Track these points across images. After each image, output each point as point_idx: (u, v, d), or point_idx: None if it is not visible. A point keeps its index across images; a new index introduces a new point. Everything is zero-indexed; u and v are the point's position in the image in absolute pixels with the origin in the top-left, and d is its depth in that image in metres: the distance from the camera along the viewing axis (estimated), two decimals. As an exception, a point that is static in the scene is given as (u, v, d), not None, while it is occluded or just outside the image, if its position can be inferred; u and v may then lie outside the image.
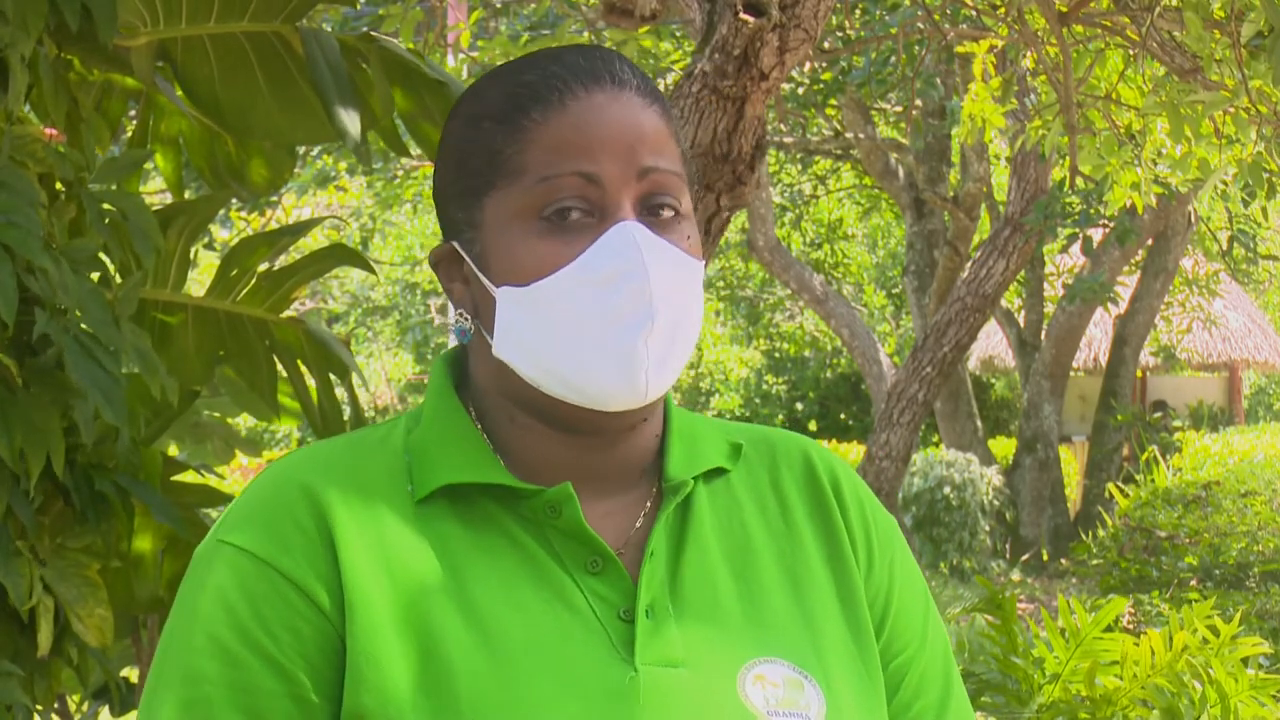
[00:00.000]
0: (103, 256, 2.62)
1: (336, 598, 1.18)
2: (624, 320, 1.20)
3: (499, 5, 10.22)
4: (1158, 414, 14.83)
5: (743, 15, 2.78)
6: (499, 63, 8.35)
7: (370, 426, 1.31)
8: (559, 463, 1.26)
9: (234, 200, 8.74)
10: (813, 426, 21.29)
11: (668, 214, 1.24)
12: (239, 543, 1.20)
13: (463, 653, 1.16)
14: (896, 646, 1.32)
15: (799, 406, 21.75)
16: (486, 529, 1.23)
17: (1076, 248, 8.74)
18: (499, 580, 1.20)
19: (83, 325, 2.40)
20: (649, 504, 1.28)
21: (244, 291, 2.99)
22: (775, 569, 1.28)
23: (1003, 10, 5.14)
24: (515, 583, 1.20)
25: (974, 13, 5.57)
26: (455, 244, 1.27)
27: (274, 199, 11.85)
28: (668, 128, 1.25)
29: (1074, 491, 15.14)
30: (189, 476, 3.04)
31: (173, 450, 3.43)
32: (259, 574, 1.19)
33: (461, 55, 8.97)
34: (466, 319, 1.27)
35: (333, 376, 3.03)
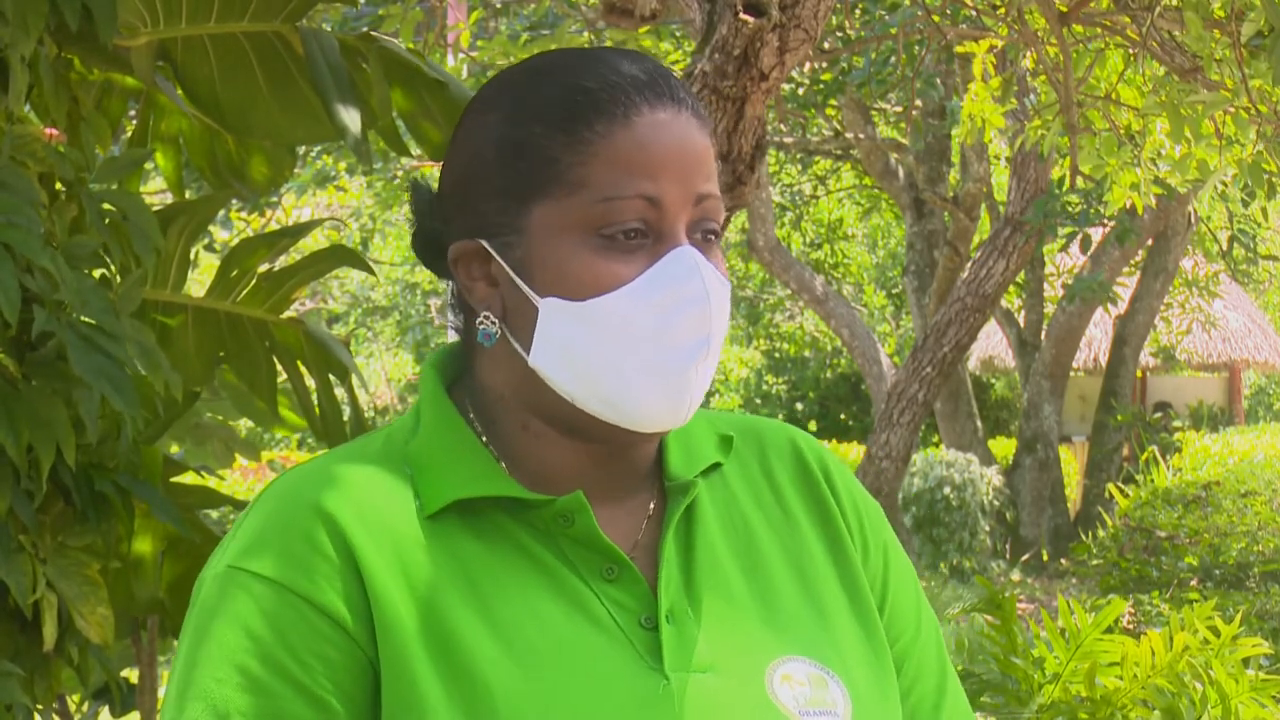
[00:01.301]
0: (103, 256, 2.62)
1: (364, 620, 1.16)
2: (681, 345, 1.19)
3: (499, 5, 10.22)
4: (1158, 414, 14.83)
5: (743, 15, 2.78)
6: (499, 62, 8.36)
7: (366, 436, 1.27)
8: (570, 471, 1.24)
9: (234, 201, 8.75)
10: (813, 426, 21.29)
11: (712, 238, 1.23)
12: (255, 569, 1.16)
13: (496, 671, 1.15)
14: (894, 633, 1.32)
15: (799, 406, 21.76)
16: (499, 542, 1.20)
17: (1076, 248, 8.74)
18: (518, 593, 1.18)
19: (84, 319, 2.40)
20: (651, 505, 1.27)
21: (244, 292, 2.99)
22: (782, 563, 1.27)
23: (1002, 10, 5.13)
24: (534, 595, 1.19)
25: (974, 13, 5.57)
26: (486, 243, 1.23)
27: (274, 199, 11.85)
28: (713, 150, 1.25)
29: (1074, 491, 15.14)
30: (188, 478, 3.04)
31: (172, 448, 3.43)
32: (282, 601, 1.15)
33: (461, 55, 8.97)
34: (493, 322, 1.23)
35: (332, 377, 3.03)
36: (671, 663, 1.18)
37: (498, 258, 1.22)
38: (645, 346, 1.19)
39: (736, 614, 1.23)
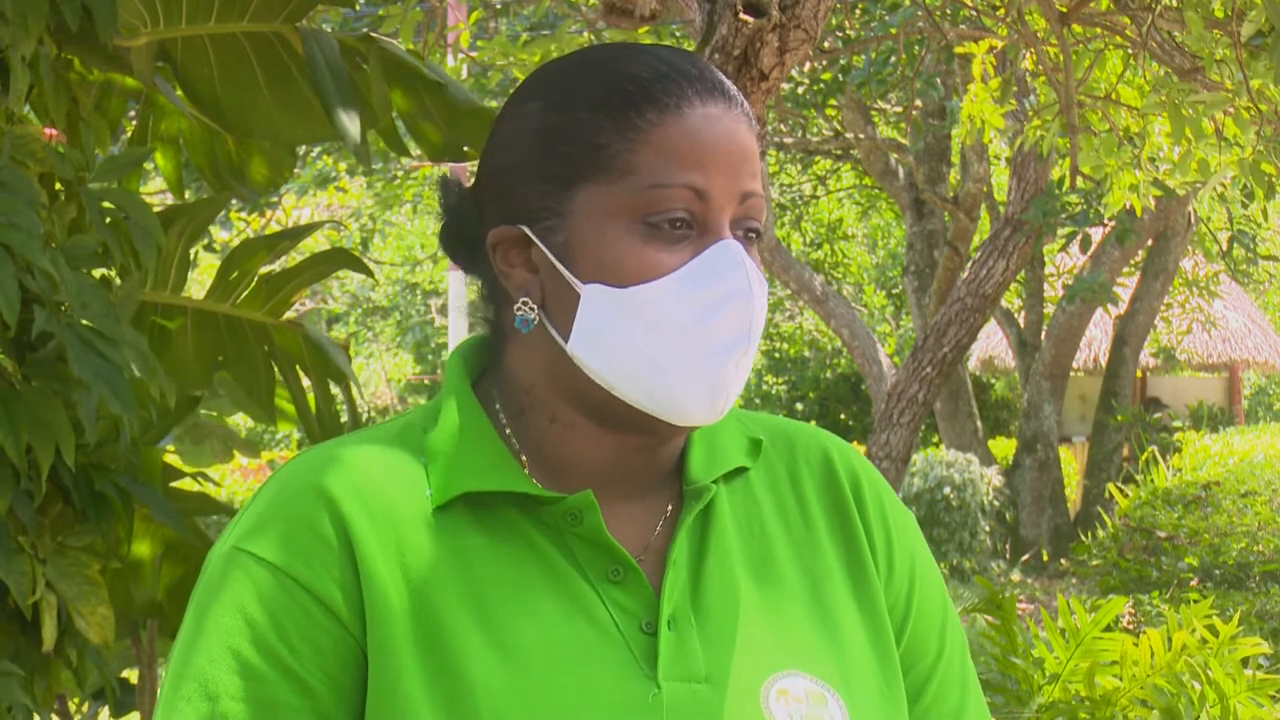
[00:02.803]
0: (104, 256, 2.61)
1: (357, 608, 1.16)
2: (723, 340, 1.18)
3: (499, 6, 10.21)
4: (1158, 414, 14.84)
5: (743, 15, 2.78)
6: (498, 63, 8.37)
7: (385, 422, 1.27)
8: (592, 465, 1.23)
9: (234, 201, 8.74)
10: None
11: (753, 236, 1.23)
12: (256, 551, 1.17)
13: (482, 667, 1.14)
14: (916, 654, 1.30)
15: (799, 406, 21.75)
16: (506, 537, 1.20)
17: (1076, 248, 8.73)
18: (518, 591, 1.18)
19: (83, 321, 2.40)
20: (670, 507, 1.25)
21: (244, 295, 2.99)
22: (796, 575, 1.26)
23: (1002, 11, 5.14)
24: (535, 593, 1.18)
25: (974, 13, 5.57)
26: (527, 228, 1.22)
27: (274, 200, 11.84)
28: (759, 150, 1.24)
29: (1074, 492, 15.14)
30: (187, 484, 3.04)
31: (172, 458, 3.42)
32: (278, 585, 1.16)
33: (461, 55, 8.97)
34: (532, 308, 1.22)
35: (330, 382, 3.03)
36: (666, 671, 1.17)
37: (539, 243, 1.21)
38: (686, 339, 1.18)
39: (741, 625, 1.21)
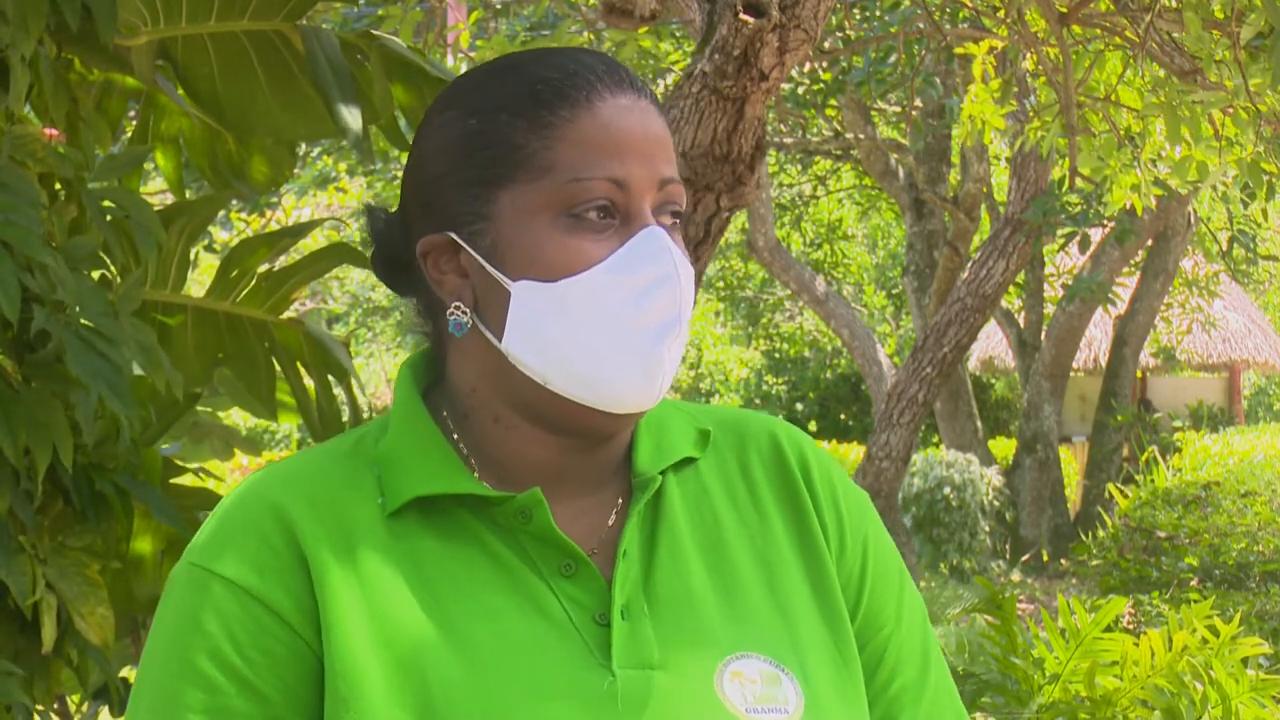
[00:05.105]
0: (103, 257, 2.61)
1: (310, 617, 1.18)
2: (653, 324, 1.21)
3: (499, 6, 10.21)
4: (1157, 414, 14.84)
5: (743, 15, 2.78)
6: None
7: (340, 436, 1.30)
8: (538, 464, 1.25)
9: (234, 201, 8.75)
10: (813, 427, 21.30)
11: (676, 220, 1.26)
12: (210, 566, 1.20)
13: (438, 667, 1.16)
14: (873, 627, 1.32)
15: (799, 407, 21.76)
16: (459, 539, 1.22)
17: (1076, 248, 8.73)
18: (473, 591, 1.20)
19: (83, 320, 2.40)
20: (620, 500, 1.28)
21: (244, 292, 2.99)
22: (748, 559, 1.28)
23: (1002, 12, 5.14)
24: (489, 592, 1.20)
25: (974, 13, 5.57)
26: (454, 234, 1.25)
27: (274, 199, 11.85)
28: (671, 138, 1.28)
29: (1074, 492, 15.14)
30: (187, 479, 3.04)
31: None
32: (231, 597, 1.19)
33: (460, 55, 8.97)
34: (464, 312, 1.25)
35: (331, 378, 3.03)
36: (620, 659, 1.18)
37: (467, 247, 1.24)
38: (619, 325, 1.20)
39: (694, 610, 1.23)
